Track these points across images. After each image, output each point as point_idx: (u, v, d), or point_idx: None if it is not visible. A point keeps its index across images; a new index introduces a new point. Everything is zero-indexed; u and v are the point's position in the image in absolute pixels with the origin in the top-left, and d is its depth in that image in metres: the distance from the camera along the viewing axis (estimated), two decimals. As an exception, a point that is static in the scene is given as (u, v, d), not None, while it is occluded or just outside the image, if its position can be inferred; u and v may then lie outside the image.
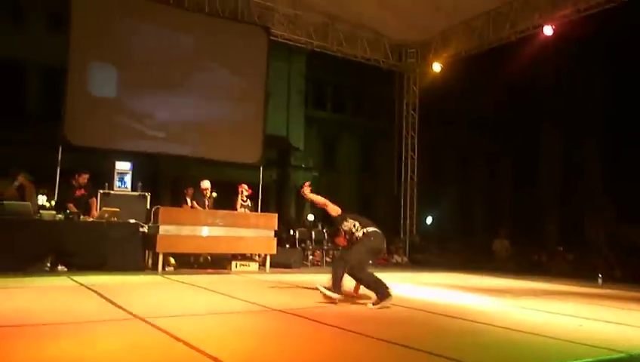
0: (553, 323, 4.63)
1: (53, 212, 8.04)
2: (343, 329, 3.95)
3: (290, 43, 13.84)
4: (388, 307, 5.00)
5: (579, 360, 3.20)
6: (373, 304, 5.09)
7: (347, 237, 5.53)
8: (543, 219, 31.00)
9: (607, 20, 13.98)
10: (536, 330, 4.12)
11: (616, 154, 28.01)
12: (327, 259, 11.62)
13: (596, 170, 33.34)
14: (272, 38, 12.78)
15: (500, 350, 3.56)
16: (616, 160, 28.10)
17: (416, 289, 7.15)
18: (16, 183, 8.04)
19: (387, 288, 5.10)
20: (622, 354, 3.41)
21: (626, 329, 4.44)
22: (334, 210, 5.57)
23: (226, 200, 10.48)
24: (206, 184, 9.84)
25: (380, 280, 5.19)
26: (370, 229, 5.40)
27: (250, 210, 10.28)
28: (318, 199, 5.69)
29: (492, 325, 4.37)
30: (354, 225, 5.43)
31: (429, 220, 26.57)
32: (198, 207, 9.60)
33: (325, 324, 4.14)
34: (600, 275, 9.19)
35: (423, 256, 14.84)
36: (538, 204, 31.38)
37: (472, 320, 4.57)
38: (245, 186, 10.28)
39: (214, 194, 9.99)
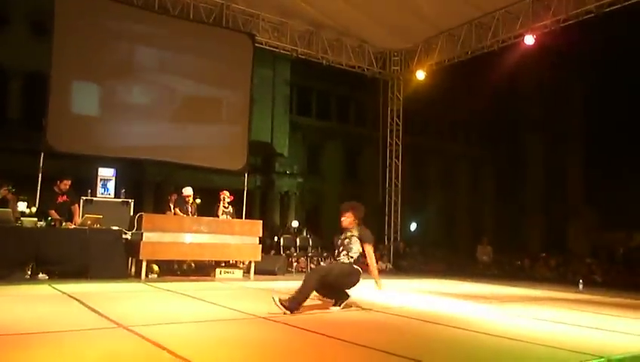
0: (537, 328, 4.69)
1: (35, 219, 7.93)
2: (328, 336, 3.96)
3: (275, 50, 13.87)
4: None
5: (560, 365, 3.25)
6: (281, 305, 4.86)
7: (340, 244, 5.39)
8: (526, 226, 31.40)
9: (588, 30, 14.25)
10: (520, 336, 4.17)
11: (598, 163, 28.49)
12: (312, 266, 11.60)
13: (578, 178, 33.86)
14: (257, 44, 12.79)
15: (482, 356, 3.60)
16: (597, 168, 28.59)
17: (401, 295, 7.18)
18: None
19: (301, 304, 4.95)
20: (602, 359, 3.46)
21: (605, 334, 4.51)
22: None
23: (210, 207, 10.45)
24: (188, 191, 9.74)
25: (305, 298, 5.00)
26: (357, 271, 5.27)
27: (232, 217, 10.24)
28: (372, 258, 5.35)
29: (475, 331, 4.41)
30: (358, 251, 5.28)
31: (413, 227, 26.71)
32: (181, 214, 9.53)
33: (310, 331, 4.14)
34: (581, 281, 9.33)
35: (408, 263, 14.91)
36: (521, 211, 31.76)
37: (454, 326, 4.61)
38: (227, 193, 10.24)
39: (198, 201, 9.95)
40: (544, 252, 16.38)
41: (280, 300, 4.84)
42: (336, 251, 5.43)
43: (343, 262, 5.30)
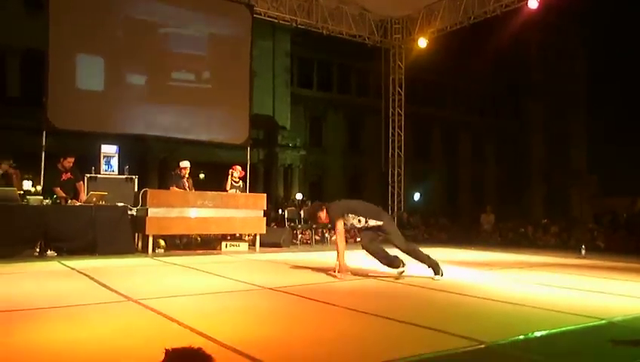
0: (539, 293, 4.76)
1: (40, 197, 7.99)
2: (333, 304, 4.04)
3: (275, 20, 13.70)
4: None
5: (563, 328, 3.31)
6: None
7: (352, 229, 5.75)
8: (529, 193, 31.44)
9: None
10: (522, 301, 4.24)
11: (601, 129, 28.36)
12: (317, 238, 11.72)
13: (581, 145, 33.74)
14: (255, 15, 12.63)
15: (486, 320, 3.66)
16: (600, 134, 28.47)
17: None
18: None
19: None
20: (603, 321, 3.53)
21: (607, 298, 4.58)
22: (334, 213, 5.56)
23: (214, 181, 10.46)
24: (185, 163, 9.50)
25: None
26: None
27: (242, 192, 10.27)
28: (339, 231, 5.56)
29: (478, 297, 4.48)
30: (358, 221, 5.52)
31: (416, 196, 26.79)
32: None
33: (315, 300, 4.22)
34: (583, 247, 9.38)
35: (411, 233, 15.00)
36: (524, 179, 31.75)
37: (458, 293, 4.68)
38: (238, 168, 10.19)
39: (201, 176, 9.94)
40: (547, 218, 16.41)
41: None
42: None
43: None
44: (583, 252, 9.20)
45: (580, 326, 3.41)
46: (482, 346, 2.85)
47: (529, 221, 16.42)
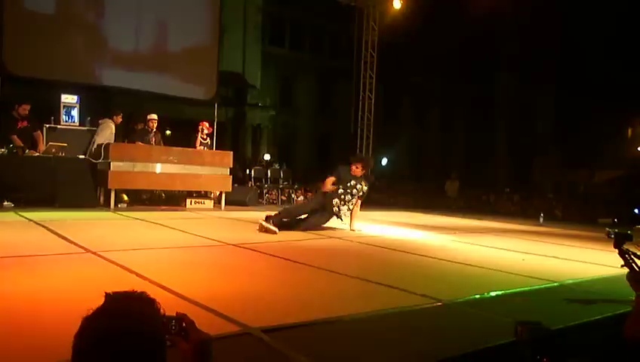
0: (497, 256, 4.90)
1: (-5, 146, 7.68)
2: (294, 261, 4.07)
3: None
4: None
5: (517, 289, 3.43)
6: None
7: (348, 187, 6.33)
8: (495, 163, 32.07)
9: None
10: (481, 263, 4.35)
11: (568, 103, 28.88)
12: (283, 198, 11.71)
13: (548, 117, 34.37)
14: (227, -33, 12.18)
15: (444, 280, 3.75)
16: (567, 108, 29.03)
17: (369, 226, 7.35)
18: None
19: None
20: (555, 284, 3.67)
21: (561, 262, 4.74)
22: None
23: (181, 138, 10.26)
24: (153, 115, 9.40)
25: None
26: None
27: (210, 149, 10.13)
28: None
29: (438, 258, 4.58)
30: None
31: (384, 161, 26.98)
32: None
33: (278, 257, 4.23)
34: (542, 215, 9.67)
35: (377, 196, 15.15)
36: (491, 148, 32.31)
37: (420, 254, 4.78)
38: (206, 124, 10.07)
39: (168, 132, 9.74)
40: (509, 187, 16.83)
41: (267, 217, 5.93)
42: (344, 191, 6.35)
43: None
44: (542, 220, 9.49)
45: (534, 287, 3.53)
46: (439, 304, 2.92)
47: (492, 189, 16.82)
